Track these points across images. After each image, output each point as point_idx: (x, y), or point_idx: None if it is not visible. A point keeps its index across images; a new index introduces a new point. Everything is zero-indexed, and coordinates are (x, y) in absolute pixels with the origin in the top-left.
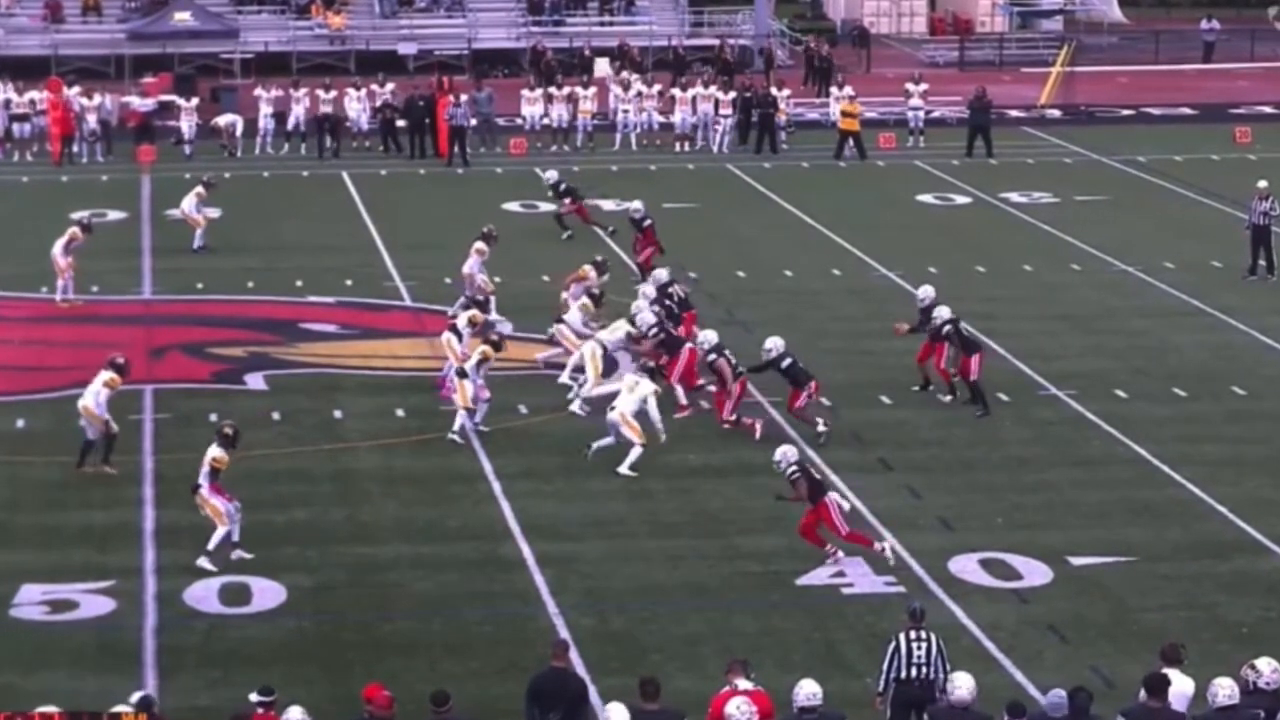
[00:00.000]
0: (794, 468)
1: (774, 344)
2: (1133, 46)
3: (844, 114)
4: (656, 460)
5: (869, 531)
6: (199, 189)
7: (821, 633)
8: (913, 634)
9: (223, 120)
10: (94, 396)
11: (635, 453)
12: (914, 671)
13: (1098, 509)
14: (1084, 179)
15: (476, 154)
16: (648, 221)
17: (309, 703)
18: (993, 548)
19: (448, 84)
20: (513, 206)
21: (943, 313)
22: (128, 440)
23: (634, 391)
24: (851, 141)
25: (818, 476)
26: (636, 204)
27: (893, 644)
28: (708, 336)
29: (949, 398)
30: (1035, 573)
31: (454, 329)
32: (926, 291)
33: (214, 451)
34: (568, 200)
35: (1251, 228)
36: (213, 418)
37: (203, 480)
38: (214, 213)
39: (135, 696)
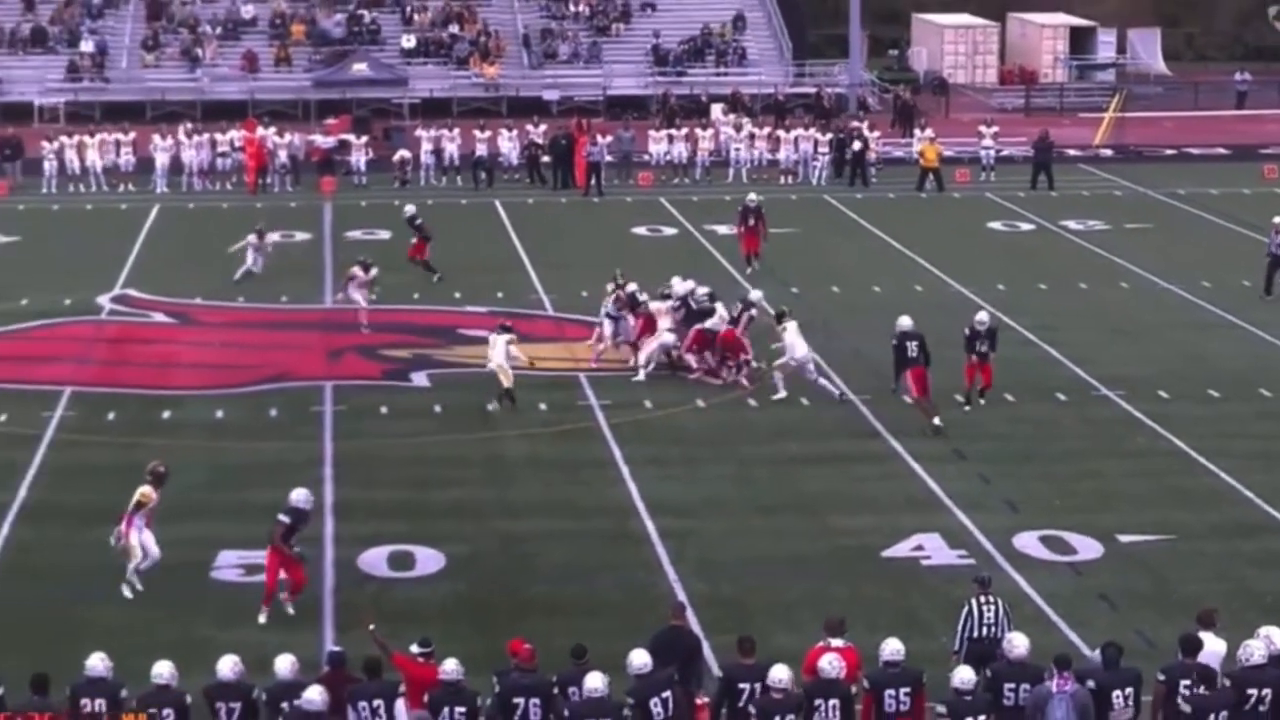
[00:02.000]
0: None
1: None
2: (1175, 95)
3: (924, 153)
4: (762, 450)
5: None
6: (251, 236)
7: (903, 599)
8: (982, 599)
9: (405, 153)
10: (503, 356)
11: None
12: (984, 631)
13: (1143, 494)
14: (1132, 209)
15: (610, 185)
16: (762, 209)
17: (463, 654)
18: (1052, 527)
19: (587, 125)
20: (640, 231)
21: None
22: (310, 428)
23: None
24: (932, 176)
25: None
26: (752, 195)
27: (966, 608)
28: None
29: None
30: (1089, 549)
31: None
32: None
33: (142, 489)
34: (415, 239)
35: (1270, 256)
36: (383, 410)
37: (129, 516)
38: (273, 239)
39: (329, 650)
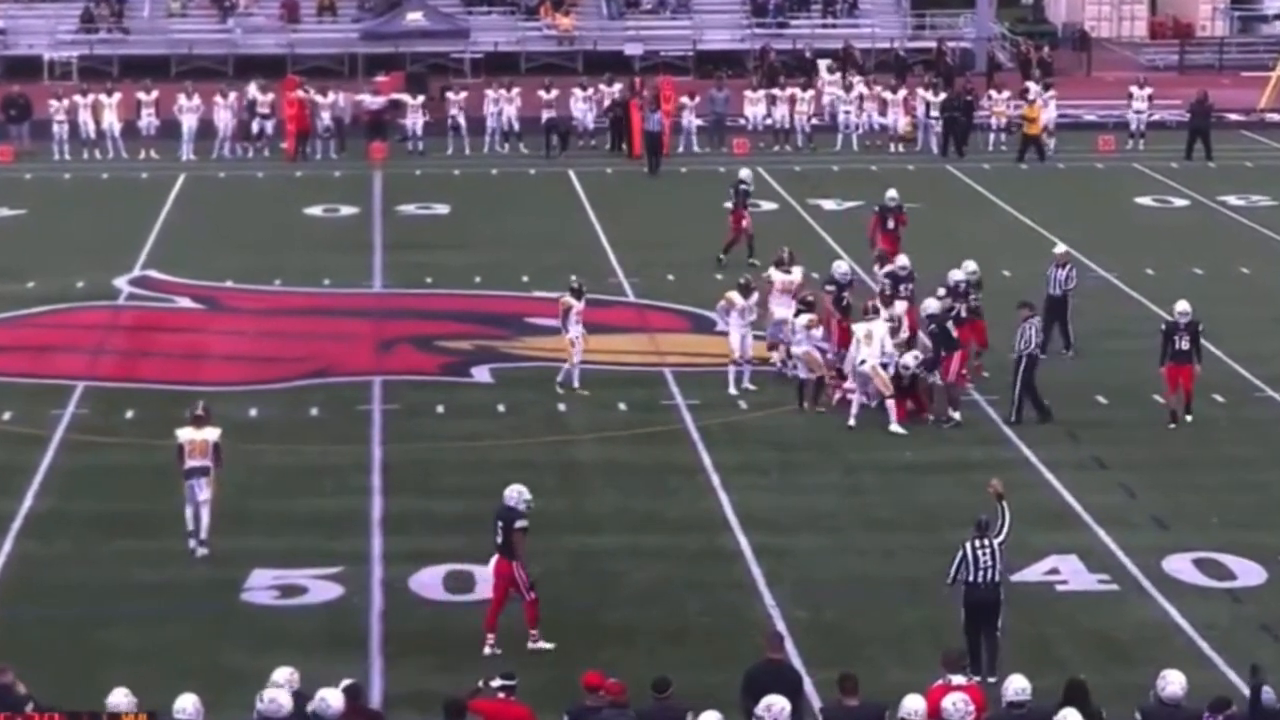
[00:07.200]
0: None
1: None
2: None
3: (1026, 118)
4: (872, 456)
5: None
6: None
7: (1034, 628)
8: (977, 543)
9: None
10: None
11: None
12: (980, 575)
13: None
14: None
15: (702, 153)
16: (904, 208)
17: (529, 688)
18: (1207, 547)
19: (639, 86)
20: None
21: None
22: (357, 430)
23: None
24: (1033, 146)
25: None
26: (892, 192)
27: (960, 553)
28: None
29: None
30: (1249, 573)
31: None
32: None
33: (213, 435)
34: (738, 206)
35: (1050, 297)
36: (439, 409)
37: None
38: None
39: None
